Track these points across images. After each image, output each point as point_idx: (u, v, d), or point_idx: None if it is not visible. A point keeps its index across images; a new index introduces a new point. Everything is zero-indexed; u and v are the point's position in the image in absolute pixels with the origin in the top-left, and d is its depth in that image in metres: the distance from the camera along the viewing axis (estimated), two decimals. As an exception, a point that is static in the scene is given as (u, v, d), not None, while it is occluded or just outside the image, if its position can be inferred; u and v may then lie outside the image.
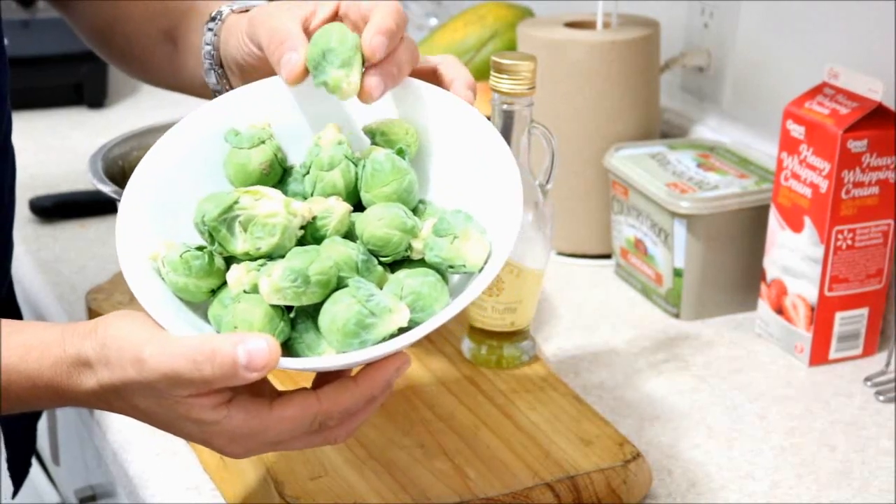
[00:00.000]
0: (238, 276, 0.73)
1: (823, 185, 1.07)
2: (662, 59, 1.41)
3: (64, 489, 1.56)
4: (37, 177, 1.54)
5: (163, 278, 0.74)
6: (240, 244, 0.73)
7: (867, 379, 1.09)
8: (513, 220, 0.73)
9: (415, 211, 0.78)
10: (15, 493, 1.14)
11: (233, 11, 0.90)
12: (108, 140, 1.18)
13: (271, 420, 0.70)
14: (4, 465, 1.12)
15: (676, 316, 1.21)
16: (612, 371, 1.10)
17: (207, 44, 0.91)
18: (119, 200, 1.06)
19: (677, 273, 1.19)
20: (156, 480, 0.93)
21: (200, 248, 0.74)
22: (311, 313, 0.73)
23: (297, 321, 0.73)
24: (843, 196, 1.06)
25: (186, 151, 0.79)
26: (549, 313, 1.21)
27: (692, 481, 0.94)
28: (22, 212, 1.41)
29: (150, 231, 0.76)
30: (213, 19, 0.91)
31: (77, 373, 0.72)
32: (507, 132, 0.96)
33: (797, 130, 1.09)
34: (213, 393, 0.70)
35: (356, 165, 0.78)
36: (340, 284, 0.72)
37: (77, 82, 1.81)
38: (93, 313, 1.11)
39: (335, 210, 0.75)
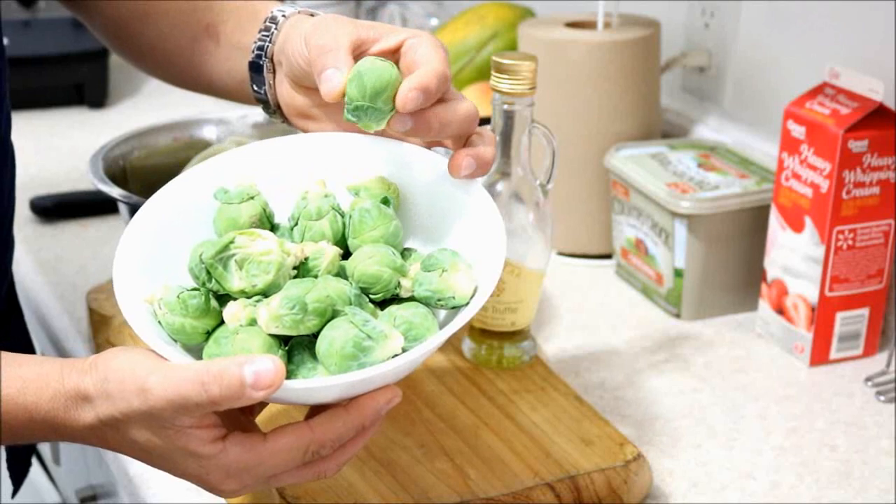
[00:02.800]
0: (235, 311, 0.75)
1: (824, 186, 1.07)
2: (663, 59, 1.41)
3: (65, 489, 1.56)
4: (37, 177, 1.54)
5: (159, 321, 0.76)
6: (236, 282, 0.75)
7: (868, 379, 1.10)
8: (496, 258, 0.76)
9: (402, 255, 0.80)
10: (14, 493, 1.14)
11: (299, 12, 0.90)
12: (109, 140, 1.18)
13: (266, 452, 0.71)
14: (4, 465, 1.12)
15: (677, 316, 1.21)
16: (613, 371, 1.10)
17: (262, 41, 0.90)
18: (120, 201, 1.06)
19: (678, 273, 1.19)
20: (157, 480, 0.93)
21: (197, 289, 0.76)
22: (306, 345, 0.75)
23: (292, 353, 0.75)
24: (844, 196, 1.07)
25: (176, 210, 0.81)
26: (550, 313, 1.21)
27: (693, 481, 0.95)
28: (23, 212, 1.41)
29: (144, 279, 0.77)
30: (273, 19, 0.90)
31: (75, 407, 0.72)
32: (507, 132, 0.96)
33: (798, 130, 1.09)
34: (211, 426, 0.71)
35: (343, 216, 0.81)
36: (336, 315, 0.74)
37: (78, 82, 1.81)
38: (94, 313, 1.11)
39: (326, 252, 0.77)
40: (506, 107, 0.96)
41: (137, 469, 0.95)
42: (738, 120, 1.40)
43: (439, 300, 0.76)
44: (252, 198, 0.80)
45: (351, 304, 0.75)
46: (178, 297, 0.75)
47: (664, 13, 1.40)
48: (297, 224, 0.80)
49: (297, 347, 0.75)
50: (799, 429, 1.02)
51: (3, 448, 1.10)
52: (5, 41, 1.72)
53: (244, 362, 0.67)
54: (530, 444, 0.91)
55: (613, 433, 0.93)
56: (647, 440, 0.99)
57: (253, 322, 0.74)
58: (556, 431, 0.93)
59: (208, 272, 0.75)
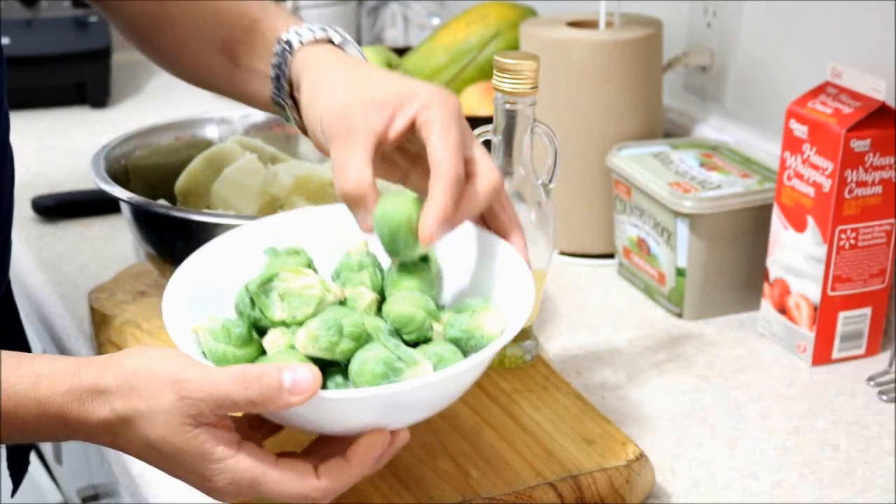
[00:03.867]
0: (274, 338, 0.79)
1: (826, 185, 1.07)
2: (665, 58, 1.41)
3: (67, 488, 1.56)
4: (39, 176, 1.54)
5: (203, 352, 0.79)
6: (278, 312, 0.79)
7: (870, 379, 1.09)
8: (525, 305, 0.79)
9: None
10: (14, 492, 1.13)
11: (302, 44, 0.90)
12: (111, 139, 1.18)
13: (272, 475, 0.73)
14: (4, 465, 1.12)
15: (679, 315, 1.21)
16: (615, 371, 1.10)
17: (276, 79, 0.91)
18: (122, 200, 1.06)
19: (680, 272, 1.19)
20: (158, 480, 0.93)
21: (240, 319, 0.80)
22: (338, 372, 0.78)
23: (325, 378, 0.77)
24: (846, 195, 1.06)
25: (225, 259, 0.86)
26: (552, 313, 1.21)
27: (695, 481, 0.94)
28: (24, 211, 1.41)
29: (190, 314, 0.81)
30: (283, 50, 0.90)
31: (90, 401, 0.73)
32: (509, 131, 0.96)
33: (800, 130, 1.09)
34: (229, 428, 0.72)
35: (382, 272, 0.85)
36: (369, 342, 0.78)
37: (80, 82, 1.81)
38: (95, 312, 1.11)
39: (364, 295, 0.82)
40: (508, 106, 0.96)
41: (139, 469, 0.94)
42: (740, 119, 1.40)
43: (469, 340, 0.80)
44: (298, 253, 0.84)
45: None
46: (221, 325, 0.79)
47: (666, 12, 1.40)
48: (338, 277, 0.84)
49: (329, 374, 0.78)
50: (801, 428, 1.02)
51: (2, 447, 1.10)
52: (7, 40, 1.73)
53: (283, 368, 0.70)
54: (532, 443, 0.91)
55: (615, 433, 0.93)
56: (650, 440, 0.99)
57: (291, 348, 0.78)
58: (559, 431, 0.93)
59: (252, 301, 0.79)
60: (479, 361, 0.76)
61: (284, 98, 0.91)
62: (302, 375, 0.70)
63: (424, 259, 0.84)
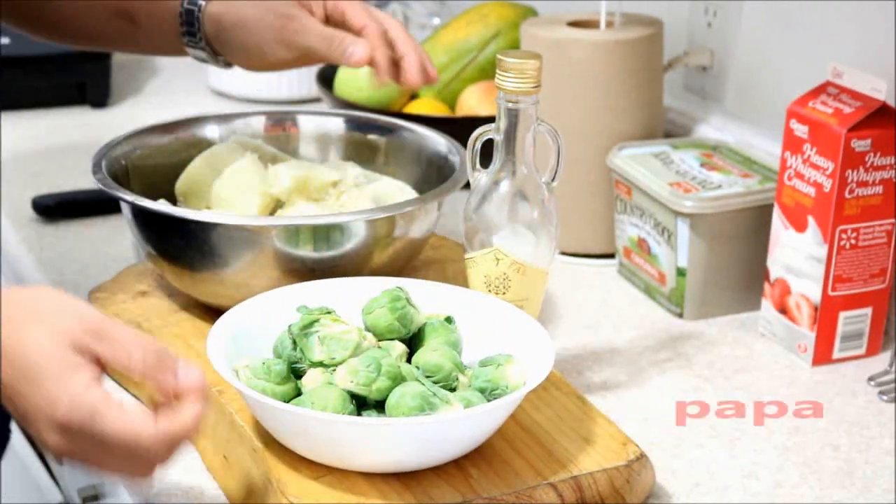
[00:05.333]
0: (314, 375, 0.87)
1: (827, 185, 1.07)
2: (666, 58, 1.40)
3: (67, 488, 1.56)
4: (39, 176, 1.54)
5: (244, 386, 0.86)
6: (317, 353, 0.87)
7: (870, 379, 1.09)
8: (546, 359, 0.87)
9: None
10: None
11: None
12: (111, 139, 1.17)
13: (114, 410, 0.73)
14: None
15: (680, 315, 1.21)
16: (616, 370, 1.10)
17: (187, 31, 1.02)
18: (122, 200, 1.06)
19: (680, 272, 1.19)
20: (158, 480, 0.92)
21: (279, 360, 0.89)
22: (373, 407, 0.85)
23: (359, 413, 0.86)
24: (847, 195, 1.06)
25: (261, 315, 0.93)
26: (552, 313, 1.20)
27: (696, 481, 0.94)
28: (24, 211, 1.41)
29: (230, 354, 0.88)
30: (189, 11, 1.02)
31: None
32: (512, 130, 0.96)
33: (801, 130, 1.09)
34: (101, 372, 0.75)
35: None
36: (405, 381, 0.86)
37: (80, 82, 1.81)
38: (96, 312, 1.11)
39: (396, 347, 0.89)
40: (510, 105, 0.96)
41: (139, 468, 0.94)
42: (740, 119, 1.40)
43: (494, 390, 0.87)
44: (329, 312, 0.89)
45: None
46: (262, 363, 0.87)
47: (667, 12, 1.40)
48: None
49: (366, 410, 0.86)
50: (801, 428, 1.02)
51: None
52: (7, 40, 1.73)
53: (179, 358, 0.76)
54: (533, 443, 0.91)
55: (616, 433, 0.93)
56: (650, 440, 0.99)
57: (329, 385, 0.85)
58: (559, 431, 0.93)
59: (294, 342, 0.88)
60: (508, 402, 0.84)
61: (202, 46, 1.04)
62: (192, 369, 0.76)
63: (449, 320, 0.92)
